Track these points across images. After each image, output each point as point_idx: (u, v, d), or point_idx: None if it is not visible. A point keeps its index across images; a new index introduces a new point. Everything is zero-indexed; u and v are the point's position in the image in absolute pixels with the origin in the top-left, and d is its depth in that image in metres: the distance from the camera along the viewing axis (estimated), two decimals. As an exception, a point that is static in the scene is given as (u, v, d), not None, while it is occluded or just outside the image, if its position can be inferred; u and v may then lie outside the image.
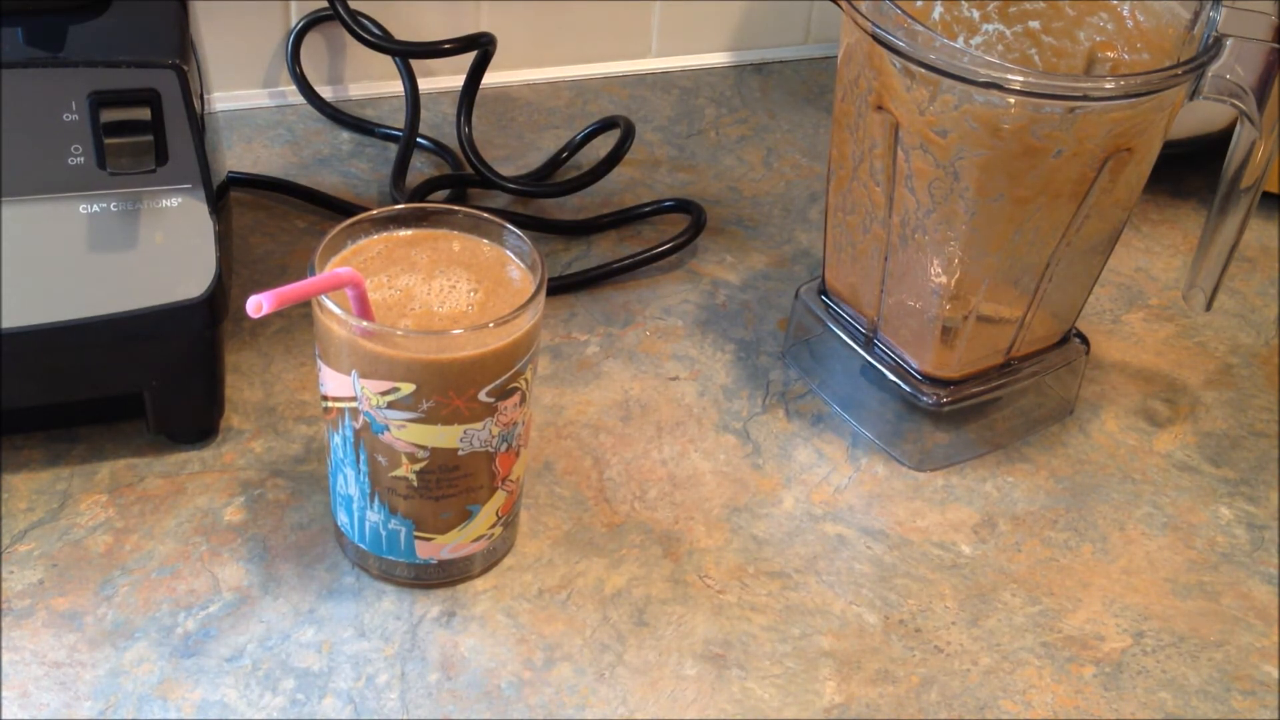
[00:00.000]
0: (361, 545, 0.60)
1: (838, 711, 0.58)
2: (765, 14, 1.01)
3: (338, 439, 0.57)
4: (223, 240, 0.61)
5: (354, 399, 0.55)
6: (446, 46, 0.84)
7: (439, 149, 0.87)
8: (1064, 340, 0.72)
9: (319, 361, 0.56)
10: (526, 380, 0.56)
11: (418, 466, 0.56)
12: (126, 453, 0.65)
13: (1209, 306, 0.69)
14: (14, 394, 0.61)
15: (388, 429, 0.55)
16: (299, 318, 0.74)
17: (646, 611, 0.61)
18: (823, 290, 0.74)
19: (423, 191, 0.82)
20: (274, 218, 0.81)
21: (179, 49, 0.58)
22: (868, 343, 0.71)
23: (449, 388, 0.53)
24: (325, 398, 0.57)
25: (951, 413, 0.69)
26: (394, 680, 0.57)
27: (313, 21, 0.89)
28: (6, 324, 0.58)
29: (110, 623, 0.58)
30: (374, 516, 0.58)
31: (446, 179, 0.84)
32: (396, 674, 0.57)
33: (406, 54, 0.87)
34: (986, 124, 0.59)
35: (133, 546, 0.61)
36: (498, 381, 0.54)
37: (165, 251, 0.60)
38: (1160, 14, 0.64)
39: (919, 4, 0.67)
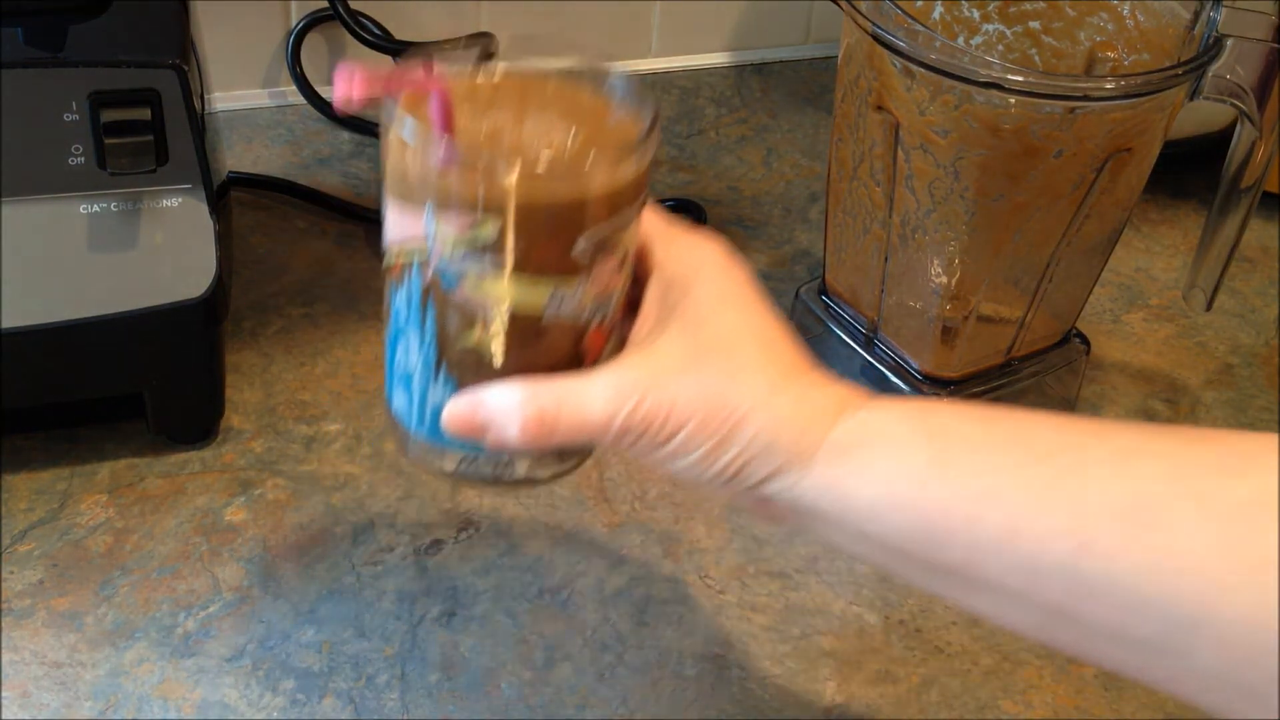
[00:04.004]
0: (420, 434, 0.50)
1: (838, 711, 0.58)
2: (765, 14, 1.01)
3: (401, 299, 0.48)
4: (223, 240, 0.61)
5: (425, 243, 0.45)
6: (446, 46, 0.84)
7: (439, 149, 0.87)
8: (1064, 340, 0.72)
9: (385, 200, 0.47)
10: (630, 238, 0.47)
11: (494, 332, 0.47)
12: (126, 453, 0.65)
13: (1209, 306, 0.69)
14: (14, 394, 0.61)
15: (462, 281, 0.45)
16: (299, 318, 0.74)
17: (646, 611, 0.61)
18: (823, 290, 0.74)
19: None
20: (274, 218, 0.81)
21: (179, 49, 0.58)
22: (868, 343, 0.71)
23: (540, 230, 0.44)
24: (390, 247, 0.47)
25: (951, 413, 0.69)
26: (394, 680, 0.57)
27: (313, 21, 0.89)
28: (6, 324, 0.58)
29: (110, 623, 0.58)
30: (437, 395, 0.48)
31: (446, 179, 0.84)
32: (396, 674, 0.57)
33: (406, 54, 0.87)
34: (986, 124, 0.59)
35: (133, 546, 0.61)
36: (597, 231, 0.45)
37: (165, 251, 0.60)
38: (1160, 14, 0.64)
39: (919, 4, 0.67)
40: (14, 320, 0.58)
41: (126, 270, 0.59)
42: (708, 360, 0.45)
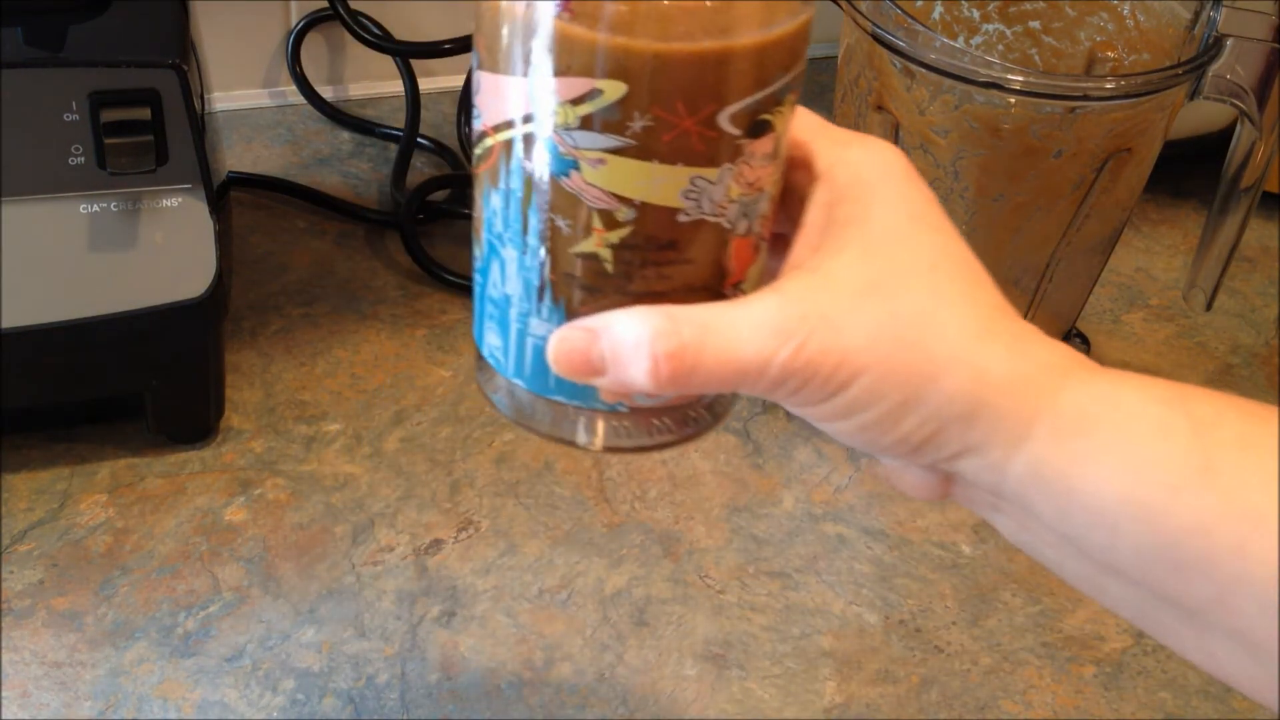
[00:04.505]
0: (518, 382, 0.40)
1: (838, 711, 0.58)
2: (765, 14, 1.01)
3: (496, 200, 0.38)
4: (223, 240, 0.61)
5: (530, 119, 0.36)
6: (446, 46, 0.84)
7: (439, 149, 0.87)
8: (1064, 340, 0.72)
9: (475, 75, 0.38)
10: (784, 118, 0.38)
11: (616, 236, 0.37)
12: (126, 453, 0.65)
13: (1209, 306, 0.69)
14: (14, 394, 0.61)
15: (576, 167, 0.36)
16: (299, 318, 0.74)
17: (646, 611, 0.61)
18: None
19: (424, 191, 0.82)
20: (274, 218, 0.81)
21: (179, 49, 0.58)
22: (868, 343, 0.71)
23: (676, 96, 0.35)
24: (481, 135, 0.38)
25: (951, 413, 0.69)
26: (394, 680, 0.57)
27: (313, 21, 0.89)
28: (6, 324, 0.58)
29: (110, 623, 0.58)
30: (541, 327, 0.38)
31: (447, 179, 0.84)
32: (396, 674, 0.57)
33: (406, 54, 0.87)
34: (986, 124, 0.59)
35: (133, 546, 0.61)
36: (749, 100, 0.36)
37: (165, 251, 0.60)
38: (1160, 14, 0.64)
39: (919, 4, 0.67)
40: (14, 320, 0.58)
41: (126, 270, 0.59)
42: (894, 292, 0.35)
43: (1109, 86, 0.58)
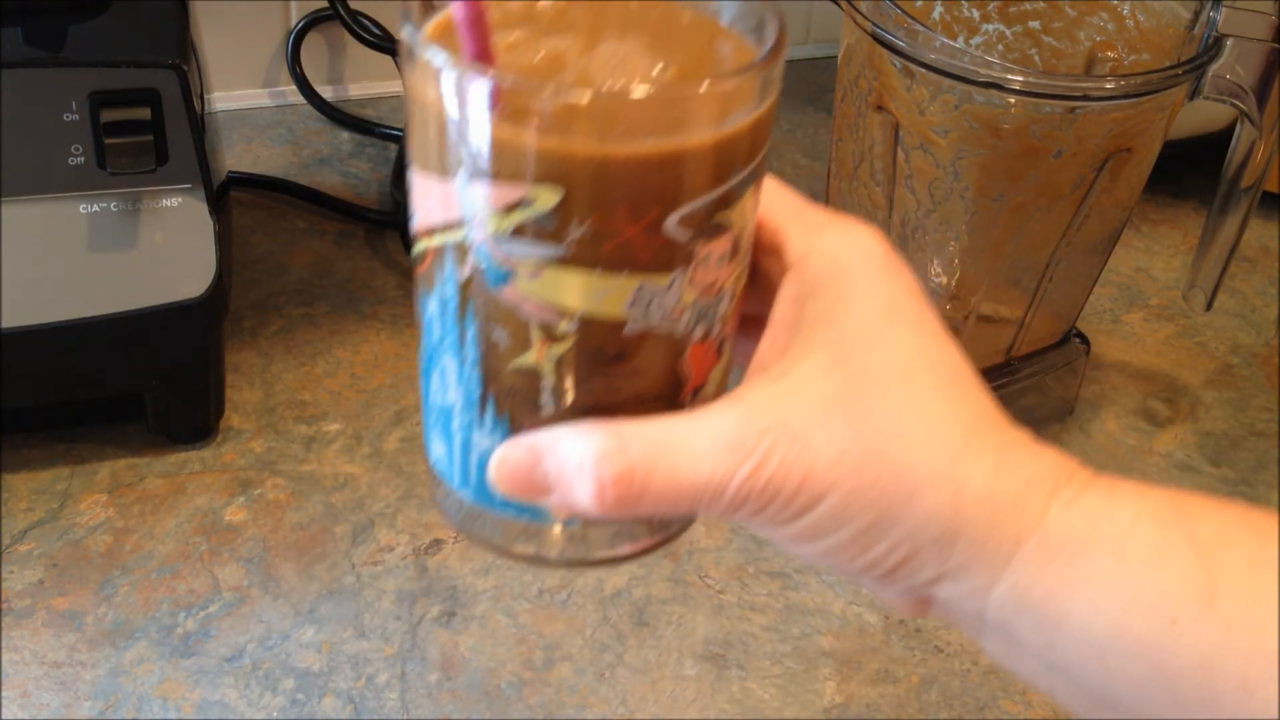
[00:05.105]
0: (464, 494, 0.37)
1: (838, 711, 0.58)
2: (765, 14, 1.01)
3: (433, 307, 0.35)
4: (223, 240, 0.61)
5: (461, 225, 0.33)
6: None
7: (439, 149, 0.87)
8: (1064, 340, 0.72)
9: (410, 169, 0.35)
10: (743, 215, 0.34)
11: (559, 349, 0.34)
12: (126, 453, 0.65)
13: (1209, 306, 0.69)
14: (14, 394, 0.61)
15: (511, 278, 0.33)
16: (299, 318, 0.74)
17: (646, 611, 0.61)
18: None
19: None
20: (274, 218, 0.81)
21: (179, 49, 0.58)
22: (868, 343, 0.71)
23: (616, 203, 0.32)
24: (418, 233, 0.35)
25: (951, 413, 0.69)
26: (394, 680, 0.57)
27: (313, 21, 0.89)
28: (6, 324, 0.58)
29: (110, 623, 0.58)
30: (484, 440, 0.36)
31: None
32: (396, 674, 0.57)
33: (406, 54, 0.87)
34: (986, 124, 0.59)
35: (133, 546, 0.61)
36: (699, 203, 0.33)
37: (165, 251, 0.60)
38: (1160, 14, 0.64)
39: (919, 4, 0.67)
40: (14, 320, 0.58)
41: (126, 270, 0.59)
42: (866, 401, 0.32)
43: (1109, 86, 0.58)
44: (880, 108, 0.62)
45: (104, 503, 0.63)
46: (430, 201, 0.34)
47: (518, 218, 0.32)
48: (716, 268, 0.34)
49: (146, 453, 0.65)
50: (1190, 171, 0.92)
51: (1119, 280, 0.84)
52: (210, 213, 0.60)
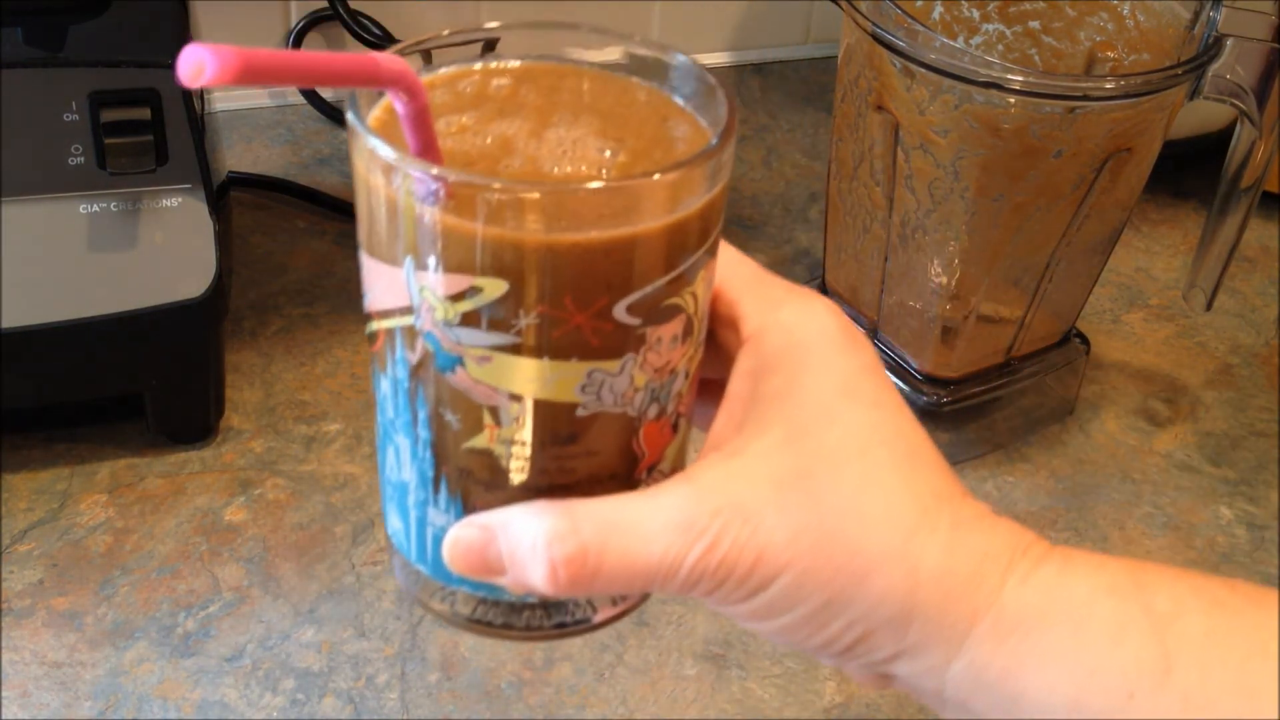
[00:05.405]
0: (421, 568, 0.37)
1: (838, 711, 0.58)
2: (765, 14, 1.01)
3: (386, 385, 0.35)
4: (223, 240, 0.61)
5: (410, 310, 0.33)
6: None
7: (439, 149, 0.87)
8: (1064, 340, 0.72)
9: (359, 251, 0.35)
10: (696, 296, 0.34)
11: (510, 432, 0.34)
12: (126, 453, 0.65)
13: (1209, 306, 0.69)
14: (14, 394, 0.61)
15: (461, 364, 0.33)
16: (299, 318, 0.74)
17: (646, 611, 0.61)
18: (823, 290, 0.74)
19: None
20: (274, 218, 0.81)
21: (179, 49, 0.58)
22: (868, 343, 0.71)
23: (563, 291, 0.32)
24: (370, 314, 0.35)
25: (952, 412, 0.69)
26: (394, 680, 0.57)
27: (313, 21, 0.89)
28: (6, 324, 0.58)
29: (110, 623, 0.58)
30: (439, 518, 0.36)
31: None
32: (396, 674, 0.57)
33: (406, 54, 0.87)
34: (986, 124, 0.59)
35: (133, 546, 0.61)
36: (649, 289, 0.33)
37: (165, 251, 0.60)
38: (1160, 14, 0.64)
39: (919, 4, 0.67)
40: (14, 320, 0.58)
41: (126, 270, 0.59)
42: (820, 480, 0.32)
43: (1109, 86, 0.58)
44: (880, 108, 0.62)
45: (104, 503, 0.63)
46: (380, 285, 0.34)
47: (465, 306, 0.32)
48: (669, 349, 0.34)
49: (146, 453, 0.65)
50: (1190, 171, 0.92)
51: (1119, 280, 0.84)
52: (210, 213, 0.60)
